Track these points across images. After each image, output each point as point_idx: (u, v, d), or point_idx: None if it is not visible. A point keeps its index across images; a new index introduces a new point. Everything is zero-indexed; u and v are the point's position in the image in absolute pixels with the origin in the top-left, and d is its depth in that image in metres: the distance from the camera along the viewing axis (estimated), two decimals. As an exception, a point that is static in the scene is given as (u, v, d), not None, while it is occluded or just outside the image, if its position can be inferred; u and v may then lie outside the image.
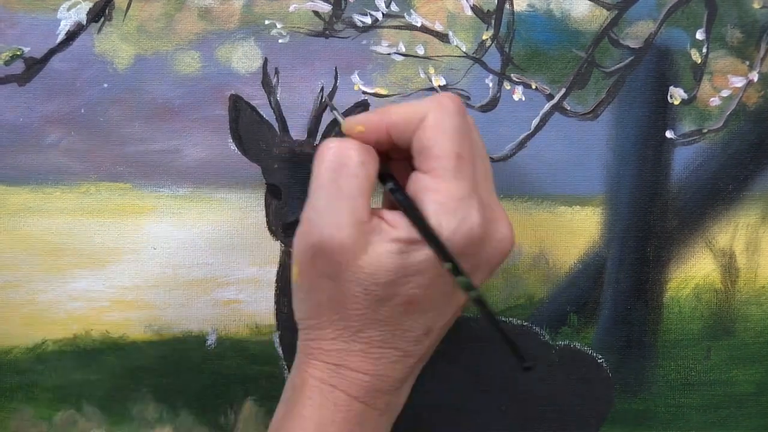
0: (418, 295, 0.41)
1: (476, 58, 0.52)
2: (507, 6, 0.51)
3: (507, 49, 0.52)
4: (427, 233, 0.40)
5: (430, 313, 0.43)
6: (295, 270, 0.43)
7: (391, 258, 0.41)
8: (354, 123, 0.43)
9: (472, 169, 0.42)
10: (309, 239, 0.41)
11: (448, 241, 0.40)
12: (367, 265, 0.40)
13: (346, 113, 0.51)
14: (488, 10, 0.51)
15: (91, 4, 0.50)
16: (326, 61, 0.51)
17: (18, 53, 0.50)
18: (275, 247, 0.52)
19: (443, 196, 0.41)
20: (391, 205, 0.44)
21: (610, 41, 0.52)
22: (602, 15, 0.52)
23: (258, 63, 0.51)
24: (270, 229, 0.52)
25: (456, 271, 0.40)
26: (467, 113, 0.43)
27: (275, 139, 0.51)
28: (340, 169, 0.41)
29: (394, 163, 0.44)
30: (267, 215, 0.52)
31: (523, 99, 0.52)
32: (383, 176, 0.43)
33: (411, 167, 0.43)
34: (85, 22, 0.50)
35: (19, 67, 0.50)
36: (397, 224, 0.41)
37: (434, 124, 0.41)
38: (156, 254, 0.52)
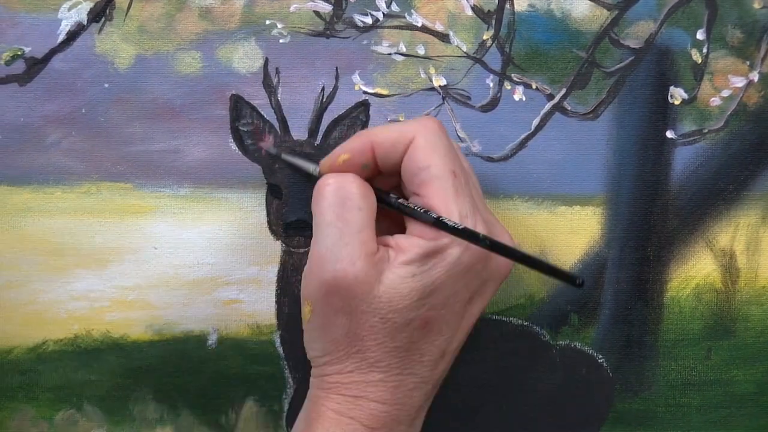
0: (433, 317, 0.42)
1: (477, 58, 0.52)
2: (507, 6, 0.51)
3: (507, 49, 0.52)
4: (451, 228, 0.41)
5: (444, 335, 0.43)
6: (306, 310, 0.43)
7: (406, 282, 0.41)
8: (335, 157, 0.43)
9: (469, 186, 0.43)
10: (322, 277, 0.41)
11: (458, 256, 0.41)
12: (383, 294, 0.41)
13: (347, 113, 0.51)
14: (489, 10, 0.51)
15: (91, 4, 0.50)
16: (327, 61, 0.51)
17: (19, 53, 0.50)
18: (276, 246, 0.52)
19: (449, 214, 0.41)
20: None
21: (611, 41, 0.52)
22: (603, 15, 0.52)
23: (259, 63, 0.51)
24: (271, 228, 0.52)
25: (491, 246, 0.41)
26: (444, 129, 0.44)
27: (276, 139, 0.51)
28: (344, 203, 0.42)
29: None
30: (268, 215, 0.52)
31: (524, 99, 0.52)
32: (381, 198, 0.43)
33: (397, 193, 0.44)
34: (85, 22, 0.50)
35: (19, 67, 0.50)
36: (404, 247, 0.42)
37: (425, 144, 0.42)
38: (157, 254, 0.52)
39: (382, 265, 0.41)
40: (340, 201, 0.42)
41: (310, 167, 0.46)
